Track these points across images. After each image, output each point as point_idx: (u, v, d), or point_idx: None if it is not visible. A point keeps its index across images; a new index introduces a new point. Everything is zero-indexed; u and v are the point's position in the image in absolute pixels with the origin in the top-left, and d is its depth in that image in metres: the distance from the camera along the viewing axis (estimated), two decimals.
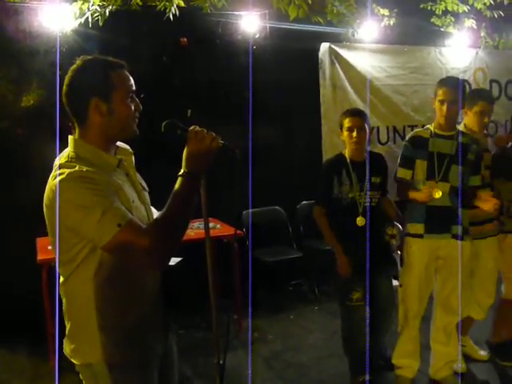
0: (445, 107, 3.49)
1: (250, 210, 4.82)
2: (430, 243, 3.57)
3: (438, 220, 3.55)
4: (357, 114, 3.67)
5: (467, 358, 4.04)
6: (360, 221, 3.54)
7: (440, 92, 3.52)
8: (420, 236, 3.57)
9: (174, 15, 4.50)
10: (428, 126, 3.69)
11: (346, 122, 3.63)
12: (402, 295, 3.70)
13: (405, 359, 3.78)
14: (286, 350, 4.47)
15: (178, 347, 2.23)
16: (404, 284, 3.68)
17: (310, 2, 4.72)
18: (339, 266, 3.59)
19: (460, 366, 3.83)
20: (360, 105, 5.72)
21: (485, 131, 4.28)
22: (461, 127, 3.84)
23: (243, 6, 5.03)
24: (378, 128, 5.93)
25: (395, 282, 3.86)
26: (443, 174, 3.51)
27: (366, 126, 3.66)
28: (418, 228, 3.58)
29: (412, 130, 3.88)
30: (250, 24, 5.09)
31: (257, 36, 5.22)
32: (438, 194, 3.47)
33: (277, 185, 5.45)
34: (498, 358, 4.12)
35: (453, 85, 3.51)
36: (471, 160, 3.57)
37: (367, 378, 3.73)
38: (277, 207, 5.65)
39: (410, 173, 3.60)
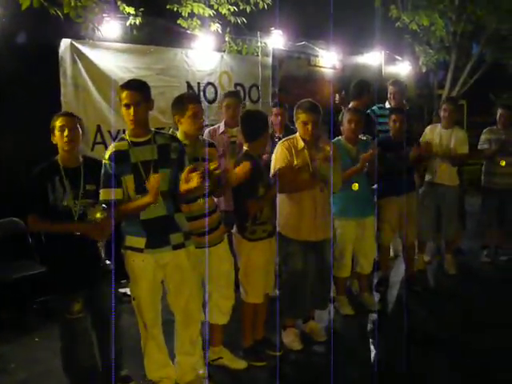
0: (131, 111, 3.34)
1: None
2: (153, 255, 3.46)
3: (157, 232, 3.45)
4: (68, 114, 3.54)
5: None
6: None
7: (123, 96, 3.36)
8: (141, 250, 3.44)
9: None
10: (123, 135, 3.52)
11: (58, 122, 3.44)
12: (137, 308, 3.57)
13: (160, 371, 3.67)
14: (32, 379, 4.03)
15: None
16: (136, 297, 3.54)
17: None
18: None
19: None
20: (105, 106, 5.45)
21: None
22: (179, 135, 3.80)
23: None
24: (124, 131, 5.65)
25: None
26: None
27: (79, 127, 3.51)
28: (138, 242, 3.44)
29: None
30: None
31: None
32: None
33: (12, 195, 4.90)
34: (250, 359, 4.19)
35: (135, 88, 3.39)
36: (175, 159, 3.50)
37: None
38: (14, 218, 5.06)
39: (120, 191, 3.37)
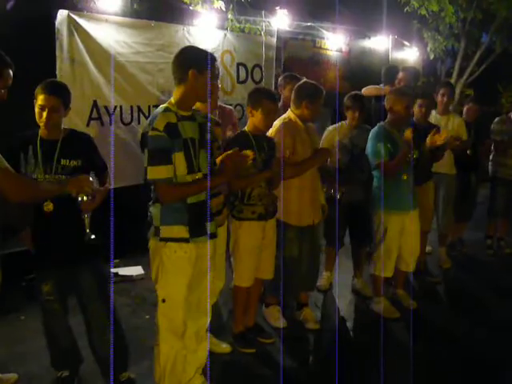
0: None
1: None
2: (196, 246, 3.11)
3: (199, 219, 3.13)
4: (52, 93, 3.21)
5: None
6: (47, 206, 3.12)
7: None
8: (186, 240, 3.06)
9: None
10: (166, 105, 3.08)
11: (39, 100, 3.19)
12: (168, 311, 3.12)
13: None
14: (11, 359, 3.86)
15: None
16: (169, 297, 3.11)
17: None
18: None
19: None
20: (102, 82, 5.28)
21: None
22: None
23: None
24: (121, 107, 5.53)
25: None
26: (197, 163, 3.09)
27: (63, 106, 3.25)
28: (182, 231, 3.05)
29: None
30: None
31: None
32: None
33: None
34: (239, 346, 4.09)
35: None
36: (210, 141, 3.22)
37: (66, 374, 3.52)
38: None
39: (172, 169, 2.98)
